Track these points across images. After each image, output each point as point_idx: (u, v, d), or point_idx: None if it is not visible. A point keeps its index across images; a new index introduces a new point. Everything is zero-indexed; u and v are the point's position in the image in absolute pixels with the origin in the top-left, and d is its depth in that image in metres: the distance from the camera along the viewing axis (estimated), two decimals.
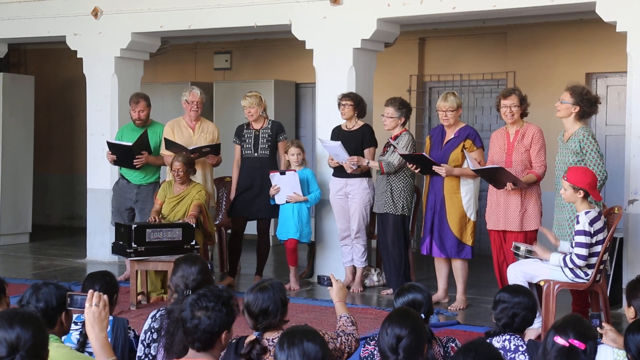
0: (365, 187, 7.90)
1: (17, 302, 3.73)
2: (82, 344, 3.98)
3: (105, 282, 4.35)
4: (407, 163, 7.41)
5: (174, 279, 4.15)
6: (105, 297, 3.31)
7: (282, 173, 7.90)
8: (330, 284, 4.28)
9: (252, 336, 3.66)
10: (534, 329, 5.79)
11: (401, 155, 7.41)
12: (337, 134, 7.97)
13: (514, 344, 3.98)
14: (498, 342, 4.01)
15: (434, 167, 7.18)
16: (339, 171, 7.94)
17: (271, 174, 7.93)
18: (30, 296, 3.58)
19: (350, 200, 7.96)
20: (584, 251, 5.77)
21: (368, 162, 7.72)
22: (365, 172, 7.93)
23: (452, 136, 7.29)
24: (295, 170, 7.92)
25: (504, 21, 9.68)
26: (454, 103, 7.25)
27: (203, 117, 8.56)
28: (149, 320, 4.21)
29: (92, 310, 3.27)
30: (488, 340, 4.01)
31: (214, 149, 8.16)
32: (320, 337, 3.07)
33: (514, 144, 6.81)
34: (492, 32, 10.29)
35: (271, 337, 3.66)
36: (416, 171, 7.42)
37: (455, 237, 7.23)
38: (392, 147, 7.57)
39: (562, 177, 5.97)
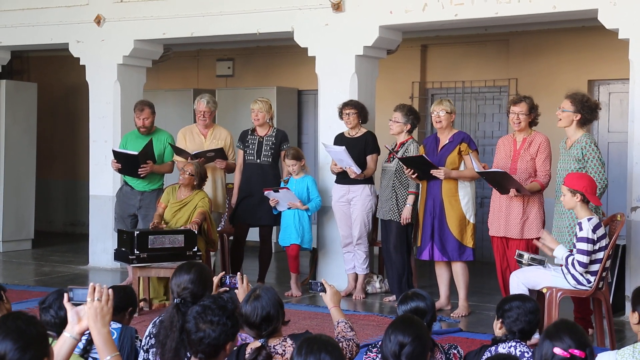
0: (367, 193, 7.91)
1: (39, 302, 3.81)
2: (87, 350, 3.98)
3: (125, 292, 4.38)
4: (405, 169, 7.42)
5: (171, 283, 4.16)
6: (110, 291, 3.23)
7: (276, 191, 7.94)
8: (324, 290, 4.24)
9: (257, 343, 3.65)
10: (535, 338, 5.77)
11: (399, 159, 7.42)
12: (340, 141, 7.98)
13: (520, 351, 3.97)
14: (504, 349, 4.00)
15: (432, 171, 7.20)
16: (342, 177, 7.95)
17: (266, 192, 7.96)
18: (54, 301, 3.64)
19: (352, 207, 7.96)
20: (584, 258, 5.77)
21: (408, 204, 7.57)
22: (367, 179, 7.94)
23: (447, 141, 7.33)
24: (288, 189, 7.95)
25: (506, 28, 9.70)
26: (447, 107, 7.29)
27: (217, 124, 8.60)
28: (150, 326, 4.22)
29: (94, 305, 3.17)
30: (494, 347, 4.01)
31: (219, 153, 8.18)
32: (339, 352, 3.08)
33: (520, 152, 6.81)
34: (494, 39, 10.30)
35: (273, 344, 3.66)
36: (413, 177, 7.40)
37: (456, 239, 7.25)
38: (399, 154, 7.53)
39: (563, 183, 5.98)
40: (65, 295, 3.24)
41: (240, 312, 3.36)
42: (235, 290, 4.37)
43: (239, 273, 4.48)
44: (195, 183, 7.65)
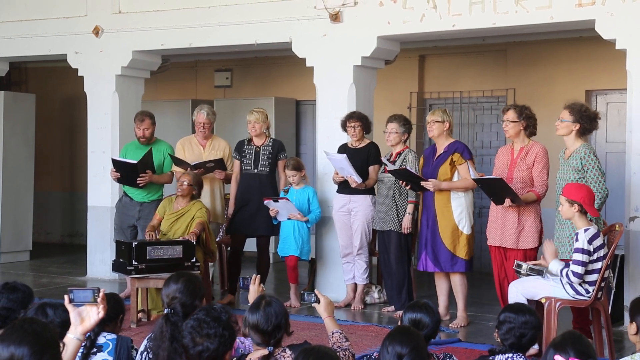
0: (368, 204, 7.91)
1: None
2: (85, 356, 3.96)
3: (115, 300, 4.35)
4: (399, 181, 7.44)
5: (162, 294, 4.16)
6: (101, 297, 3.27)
7: (275, 201, 7.94)
8: (317, 300, 4.25)
9: (260, 352, 3.64)
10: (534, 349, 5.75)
11: (389, 171, 7.44)
12: (344, 151, 7.97)
13: None
14: None
15: (422, 183, 7.22)
16: (344, 187, 7.95)
17: (265, 202, 7.96)
18: (53, 314, 3.70)
19: (353, 217, 7.96)
20: (579, 269, 5.75)
21: (408, 213, 7.61)
22: (369, 189, 7.94)
23: (442, 151, 7.34)
24: (287, 199, 7.95)
25: (504, 38, 9.72)
26: (438, 116, 7.30)
27: (215, 135, 8.62)
28: (144, 342, 4.19)
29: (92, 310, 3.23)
30: (491, 358, 4.00)
31: (218, 163, 8.18)
32: None
33: (517, 161, 6.81)
34: (492, 50, 10.32)
35: (275, 353, 3.66)
36: (407, 188, 7.44)
37: (448, 250, 7.24)
38: (397, 164, 7.53)
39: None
40: (66, 297, 3.25)
41: (236, 319, 3.35)
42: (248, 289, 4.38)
43: (253, 275, 4.49)
44: (194, 192, 7.67)
